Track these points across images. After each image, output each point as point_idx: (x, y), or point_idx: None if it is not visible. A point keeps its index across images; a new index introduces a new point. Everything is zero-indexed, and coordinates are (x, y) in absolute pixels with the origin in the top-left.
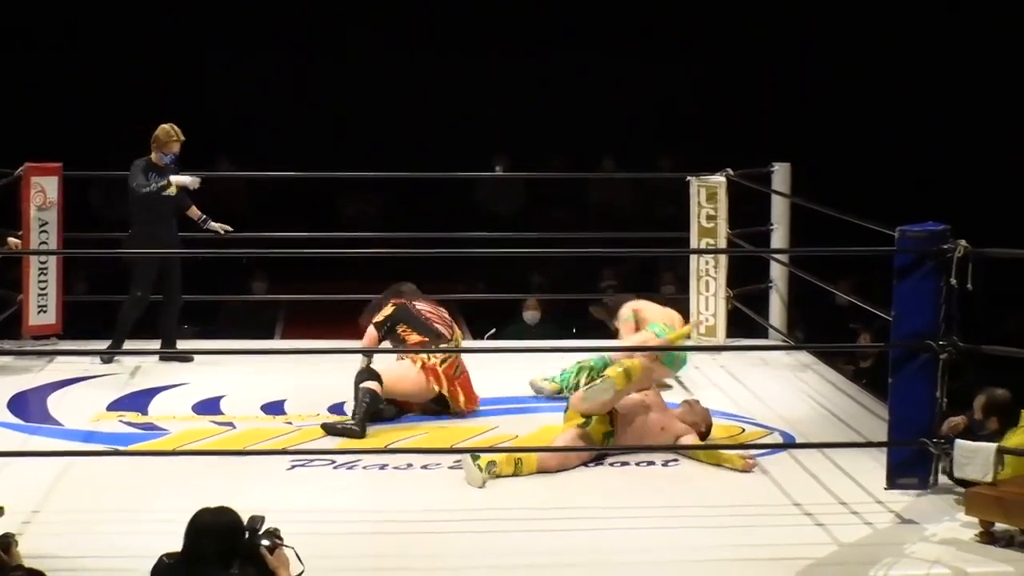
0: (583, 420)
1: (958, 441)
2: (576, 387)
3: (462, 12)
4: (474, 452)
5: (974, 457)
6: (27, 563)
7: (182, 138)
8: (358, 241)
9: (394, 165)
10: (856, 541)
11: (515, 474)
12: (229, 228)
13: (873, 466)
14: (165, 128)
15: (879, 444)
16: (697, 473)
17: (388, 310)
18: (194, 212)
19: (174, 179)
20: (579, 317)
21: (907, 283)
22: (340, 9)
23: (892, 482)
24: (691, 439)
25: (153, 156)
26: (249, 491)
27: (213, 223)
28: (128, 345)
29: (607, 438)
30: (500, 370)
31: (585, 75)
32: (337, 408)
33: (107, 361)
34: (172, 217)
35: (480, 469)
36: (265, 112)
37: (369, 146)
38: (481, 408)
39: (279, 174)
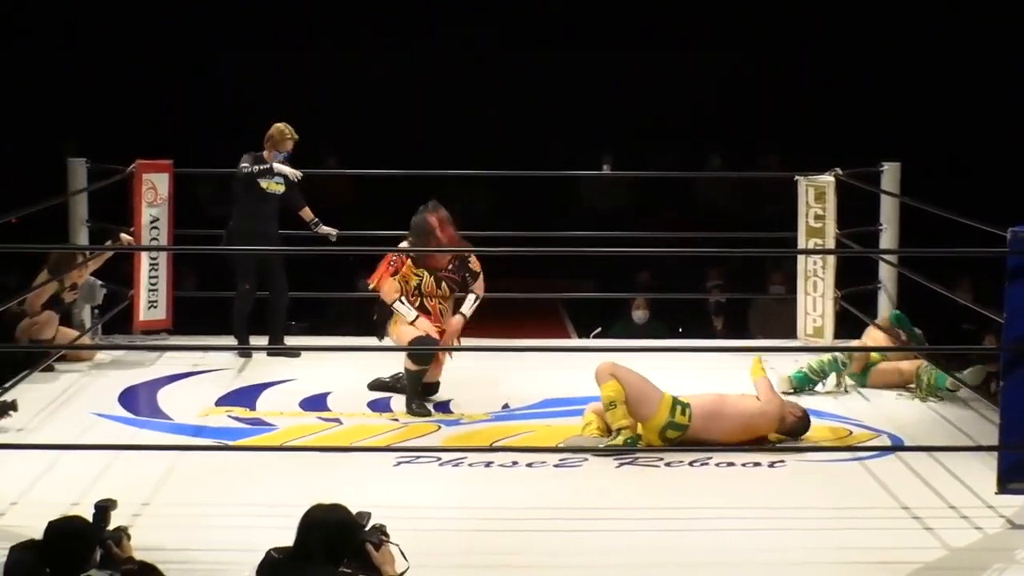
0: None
1: None
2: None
3: (567, 6)
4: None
5: None
6: (138, 556)
7: (296, 136)
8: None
9: (502, 163)
10: (965, 546)
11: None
12: (336, 233)
13: (983, 470)
14: (279, 127)
15: (990, 448)
16: (801, 474)
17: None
18: (307, 213)
19: (277, 167)
20: (685, 316)
21: (1019, 285)
22: (449, 4)
23: (1003, 486)
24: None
25: (266, 154)
26: (355, 487)
27: (324, 227)
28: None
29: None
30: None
31: (691, 71)
32: (443, 406)
33: (244, 356)
34: (275, 213)
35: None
36: (376, 108)
37: (477, 143)
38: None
39: (387, 172)
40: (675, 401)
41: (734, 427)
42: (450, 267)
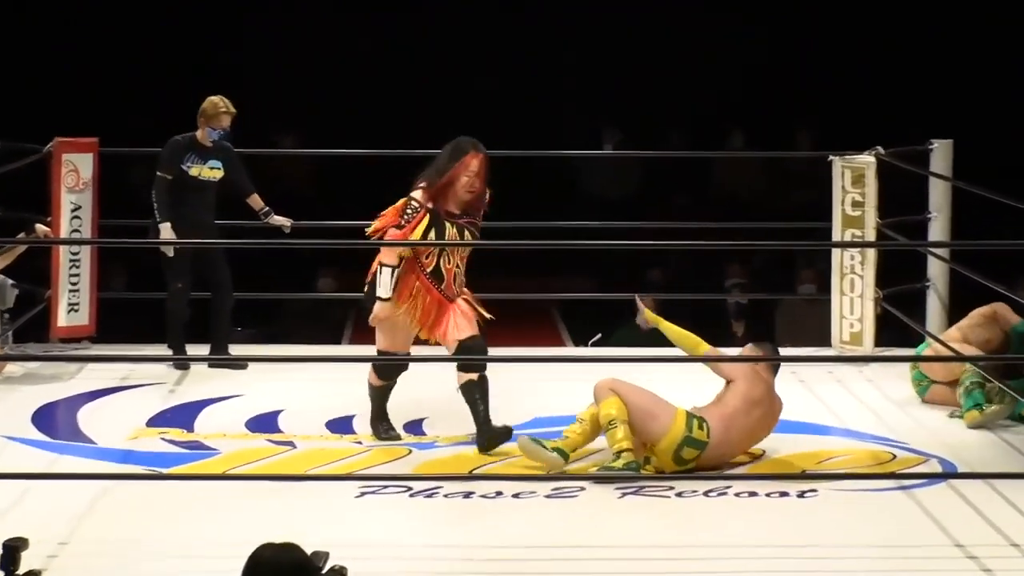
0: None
1: None
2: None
3: None
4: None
5: None
6: None
7: (233, 111)
8: None
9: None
10: None
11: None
12: (291, 223)
13: None
14: (213, 100)
15: None
16: (837, 505)
17: (423, 221)
18: (256, 201)
19: (276, 220)
20: (701, 320)
21: None
22: None
23: None
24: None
25: (199, 133)
26: (311, 522)
27: (276, 217)
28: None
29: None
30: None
31: (710, 36)
32: (415, 426)
33: (180, 368)
34: (211, 202)
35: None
36: (336, 81)
37: (456, 119)
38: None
39: (350, 152)
40: (689, 415)
41: (755, 426)
42: (476, 216)
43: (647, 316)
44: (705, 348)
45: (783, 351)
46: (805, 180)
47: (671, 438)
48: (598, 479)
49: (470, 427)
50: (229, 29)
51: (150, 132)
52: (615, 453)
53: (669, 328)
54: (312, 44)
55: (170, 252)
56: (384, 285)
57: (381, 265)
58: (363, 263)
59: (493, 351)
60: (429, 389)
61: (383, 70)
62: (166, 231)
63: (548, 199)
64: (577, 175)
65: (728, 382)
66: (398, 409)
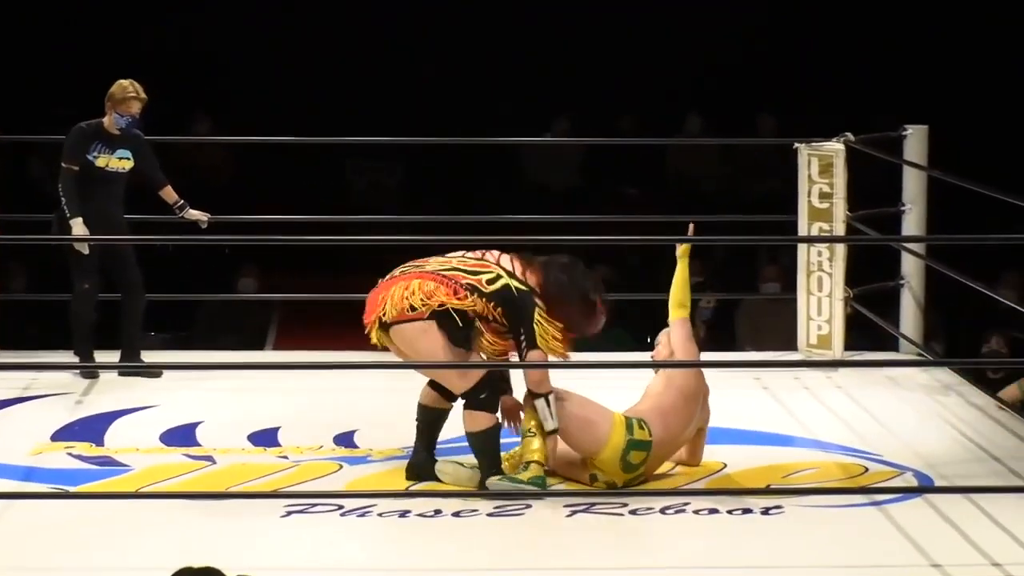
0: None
1: None
2: None
3: None
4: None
5: None
6: None
7: (143, 96)
8: (373, 225)
9: (418, 128)
10: None
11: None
12: (208, 218)
13: None
14: (122, 83)
15: None
16: (804, 523)
17: None
18: (169, 194)
19: (193, 214)
20: (655, 322)
21: None
22: None
23: None
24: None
25: (106, 120)
26: (232, 544)
27: (192, 211)
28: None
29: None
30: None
31: (663, 11)
32: (346, 438)
33: (88, 376)
34: (119, 195)
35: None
36: (255, 59)
37: (387, 104)
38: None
39: (271, 139)
40: (627, 418)
41: (693, 417)
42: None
43: (681, 250)
44: (681, 315)
45: (744, 356)
46: (768, 169)
47: (613, 446)
48: (499, 494)
49: (406, 440)
50: (140, 8)
51: (51, 118)
52: (525, 463)
53: (681, 273)
54: (231, 22)
55: (85, 250)
56: (551, 414)
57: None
58: (288, 261)
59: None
60: (361, 398)
61: (310, 49)
62: (78, 226)
63: (487, 190)
64: (518, 163)
65: (657, 373)
66: (326, 420)
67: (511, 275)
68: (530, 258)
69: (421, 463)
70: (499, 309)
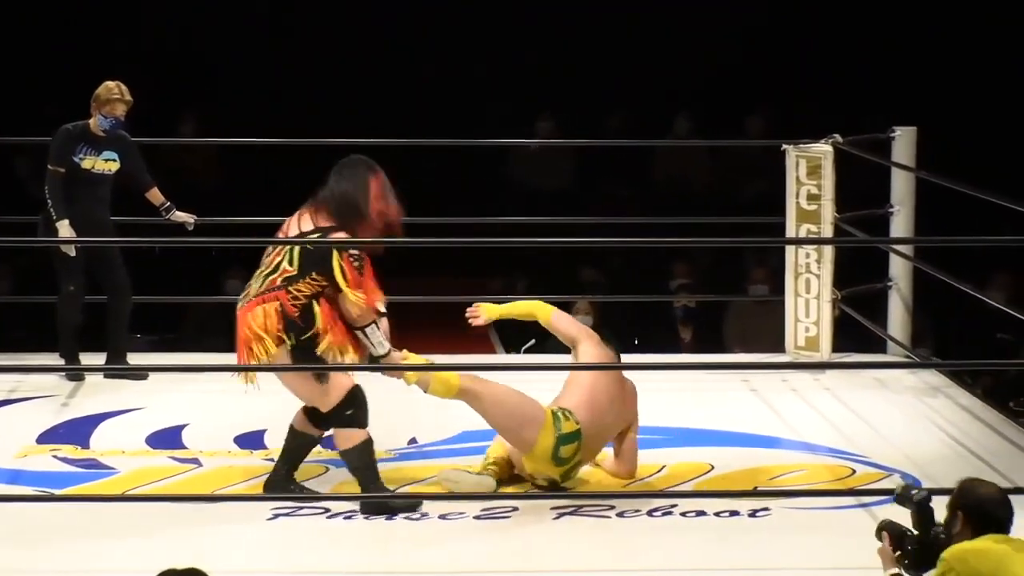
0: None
1: None
2: None
3: None
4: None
5: None
6: None
7: (128, 98)
8: None
9: (407, 130)
10: None
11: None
12: (195, 220)
13: (1021, 516)
14: (108, 85)
15: None
16: (791, 525)
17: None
18: (156, 196)
19: (179, 216)
20: (643, 325)
21: None
22: None
23: None
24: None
25: (92, 121)
26: (218, 548)
27: (179, 212)
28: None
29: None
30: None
31: (651, 11)
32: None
33: (74, 378)
34: (106, 197)
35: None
36: (242, 60)
37: (378, 105)
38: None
39: (258, 140)
40: (552, 411)
41: (615, 393)
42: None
43: (487, 315)
44: (550, 309)
45: (732, 358)
46: (756, 171)
47: (543, 446)
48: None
49: (394, 443)
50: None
51: (38, 119)
52: (483, 466)
53: (512, 309)
54: (220, 23)
55: (72, 252)
56: (376, 345)
57: (366, 325)
58: None
59: (425, 359)
60: None
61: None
62: (65, 229)
63: (474, 192)
64: (505, 166)
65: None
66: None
67: (303, 236)
68: (316, 199)
69: (278, 481)
70: (312, 274)
